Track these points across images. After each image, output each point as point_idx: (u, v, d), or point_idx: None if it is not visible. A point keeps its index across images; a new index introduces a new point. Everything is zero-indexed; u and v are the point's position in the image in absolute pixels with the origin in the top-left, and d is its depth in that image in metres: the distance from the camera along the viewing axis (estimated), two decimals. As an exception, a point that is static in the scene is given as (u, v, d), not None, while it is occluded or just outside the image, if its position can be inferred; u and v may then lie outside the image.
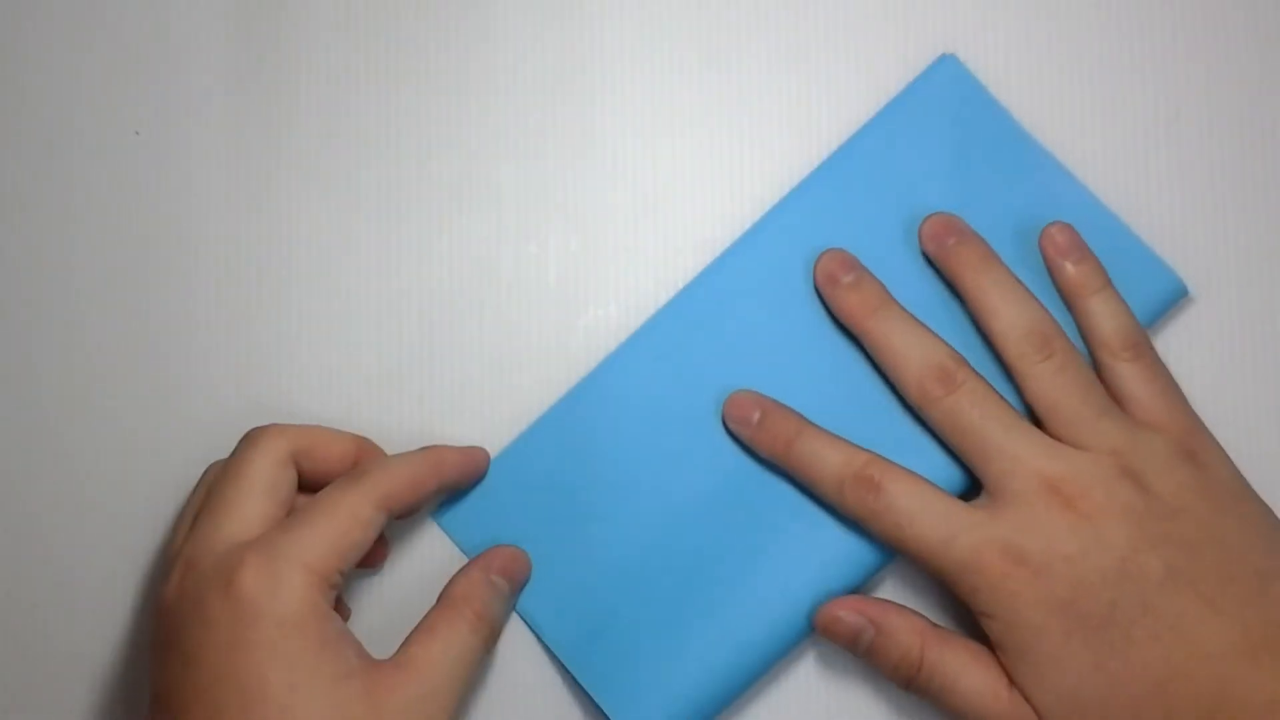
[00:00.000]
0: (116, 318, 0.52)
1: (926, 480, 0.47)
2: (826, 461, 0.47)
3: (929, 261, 0.50)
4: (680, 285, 0.51)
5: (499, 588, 0.48)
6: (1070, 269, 0.49)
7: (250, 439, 0.47)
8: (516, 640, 0.50)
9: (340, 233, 0.52)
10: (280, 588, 0.43)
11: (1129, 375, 0.47)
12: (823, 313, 0.50)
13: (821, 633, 0.48)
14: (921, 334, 0.48)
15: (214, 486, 0.47)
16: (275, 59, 0.52)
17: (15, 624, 0.51)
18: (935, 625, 0.47)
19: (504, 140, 0.52)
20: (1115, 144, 0.51)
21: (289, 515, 0.46)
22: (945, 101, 0.51)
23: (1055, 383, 0.47)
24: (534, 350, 0.51)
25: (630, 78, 0.52)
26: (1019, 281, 0.49)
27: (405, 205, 0.52)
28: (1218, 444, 0.47)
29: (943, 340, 0.48)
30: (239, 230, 0.52)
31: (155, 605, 0.46)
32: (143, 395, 0.52)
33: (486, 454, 0.50)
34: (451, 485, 0.49)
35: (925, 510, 0.46)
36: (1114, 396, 0.47)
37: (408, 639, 0.46)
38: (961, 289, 0.49)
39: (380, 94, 0.52)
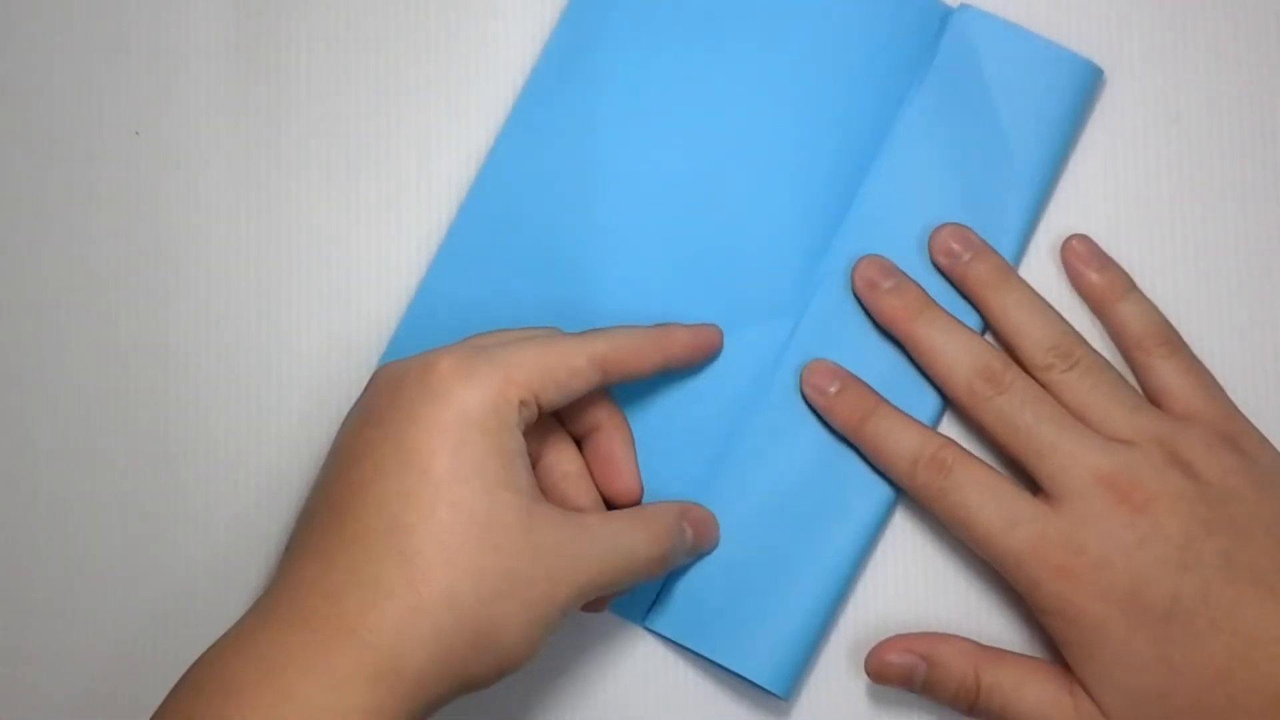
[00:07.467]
0: (116, 318, 0.52)
1: (996, 469, 0.48)
2: (902, 441, 0.48)
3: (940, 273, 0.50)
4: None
5: (685, 535, 0.47)
6: (1094, 277, 0.50)
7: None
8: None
9: (340, 233, 0.52)
10: (474, 380, 0.43)
11: (1166, 370, 0.49)
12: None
13: (875, 679, 0.48)
14: (966, 336, 0.49)
15: None
16: (275, 59, 0.52)
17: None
18: (984, 646, 0.48)
19: (504, 140, 0.52)
20: (1115, 144, 0.51)
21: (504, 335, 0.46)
22: (978, 51, 0.50)
23: (1083, 386, 0.48)
24: (534, 350, 0.51)
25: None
26: (1036, 295, 0.49)
27: (405, 205, 0.52)
28: (1258, 430, 0.48)
29: (987, 342, 0.49)
30: (239, 230, 0.52)
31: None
32: (141, 395, 0.52)
33: (719, 332, 0.50)
34: (679, 362, 0.49)
35: (991, 496, 0.47)
36: (1152, 394, 0.49)
37: (585, 512, 0.46)
38: (982, 308, 0.49)
39: (380, 94, 0.52)
